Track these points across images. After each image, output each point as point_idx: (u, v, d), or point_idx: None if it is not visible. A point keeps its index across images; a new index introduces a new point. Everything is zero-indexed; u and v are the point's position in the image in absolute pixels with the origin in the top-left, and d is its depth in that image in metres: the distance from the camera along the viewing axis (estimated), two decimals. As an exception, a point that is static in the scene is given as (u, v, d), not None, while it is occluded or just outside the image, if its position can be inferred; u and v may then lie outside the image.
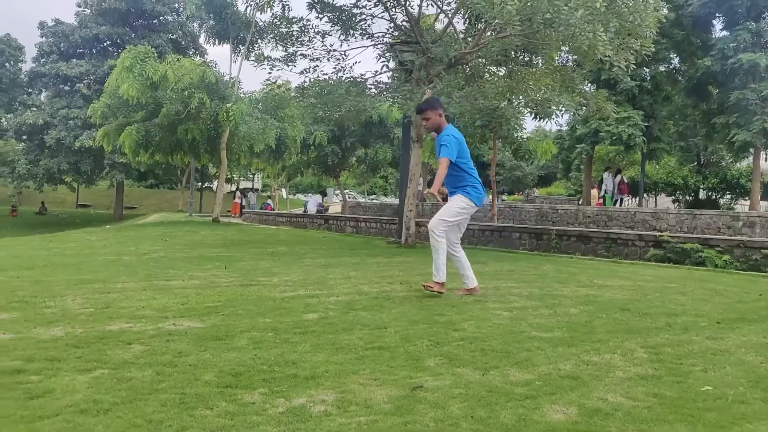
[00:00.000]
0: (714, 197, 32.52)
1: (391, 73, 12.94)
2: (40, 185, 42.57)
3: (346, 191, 49.98)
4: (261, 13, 19.12)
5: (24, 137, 41.47)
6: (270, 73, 12.35)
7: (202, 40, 19.83)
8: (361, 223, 17.56)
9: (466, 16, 12.52)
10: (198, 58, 38.51)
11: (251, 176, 56.15)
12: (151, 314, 4.99)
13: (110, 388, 3.17)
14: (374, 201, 53.51)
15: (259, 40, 19.55)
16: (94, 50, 44.41)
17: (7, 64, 46.20)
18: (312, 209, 23.86)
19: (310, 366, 3.62)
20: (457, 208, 5.93)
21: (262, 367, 3.60)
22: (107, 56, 42.44)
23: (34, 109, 41.32)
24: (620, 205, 25.52)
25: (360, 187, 58.79)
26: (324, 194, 27.49)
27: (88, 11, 43.81)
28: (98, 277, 7.09)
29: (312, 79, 12.10)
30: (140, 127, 18.26)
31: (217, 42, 19.99)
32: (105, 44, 44.44)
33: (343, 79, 11.94)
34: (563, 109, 10.10)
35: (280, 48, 13.41)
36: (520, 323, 4.88)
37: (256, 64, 12.42)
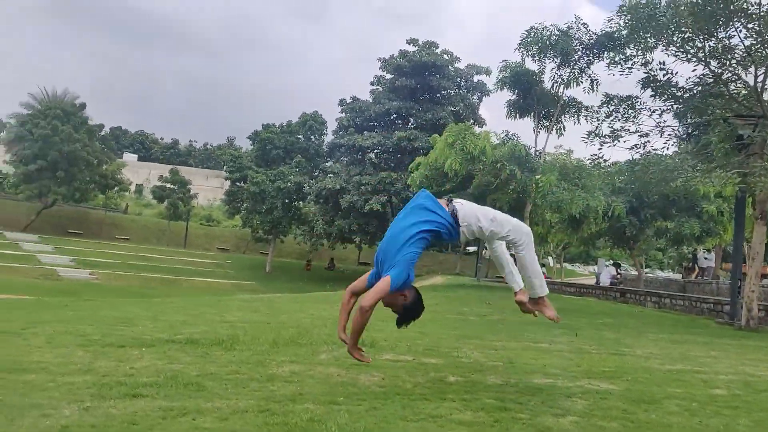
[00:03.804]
0: None
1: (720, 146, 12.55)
2: (333, 243, 47.33)
3: (614, 263, 48.29)
4: (566, 89, 19.98)
5: (321, 200, 46.53)
6: (600, 149, 12.78)
7: (503, 114, 20.87)
8: (665, 299, 16.90)
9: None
10: (477, 128, 40.31)
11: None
12: (558, 372, 5.49)
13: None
14: (649, 275, 50.88)
15: (563, 114, 20.37)
16: (382, 123, 48.78)
17: (312, 137, 52.95)
18: (605, 281, 23.45)
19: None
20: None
21: (717, 433, 3.84)
22: (394, 128, 46.42)
23: (332, 175, 46.29)
24: None
25: (631, 260, 56.25)
26: (618, 265, 26.77)
27: (381, 89, 48.49)
28: (469, 333, 7.87)
29: (642, 154, 12.28)
30: (455, 197, 19.69)
31: (518, 116, 21.07)
32: (392, 117, 48.61)
33: (674, 153, 11.93)
34: None
35: (586, 122, 13.85)
36: None
37: (587, 140, 12.94)
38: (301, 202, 51.43)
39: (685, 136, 14.19)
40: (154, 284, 35.72)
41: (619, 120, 12.37)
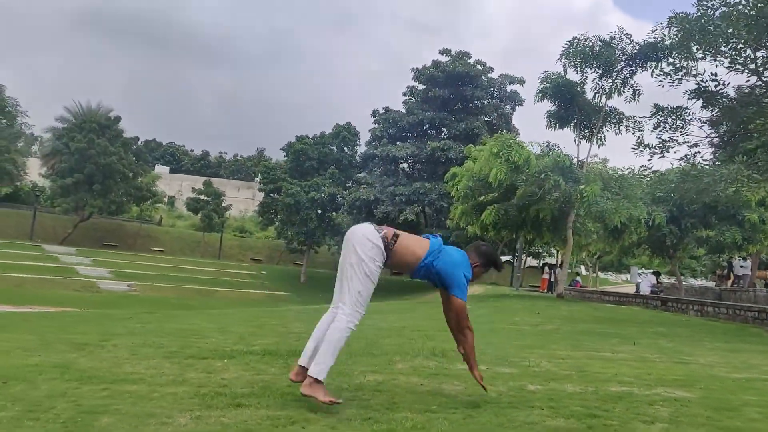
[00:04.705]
0: None
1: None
2: (366, 254, 47.57)
3: (654, 271, 47.79)
4: (607, 100, 20.04)
5: (355, 211, 46.83)
6: (650, 160, 12.87)
7: (536, 123, 21.08)
8: (708, 308, 16.80)
9: None
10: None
11: (554, 251, 56.38)
12: (631, 381, 5.60)
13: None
14: (683, 283, 50.07)
15: (605, 125, 20.42)
16: (415, 133, 48.97)
17: (345, 148, 53.42)
18: (646, 289, 23.33)
19: None
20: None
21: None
22: (427, 139, 46.55)
23: (365, 186, 46.54)
24: None
25: (664, 268, 55.61)
26: (658, 274, 26.62)
27: (414, 99, 48.74)
28: (530, 343, 8.01)
29: (690, 164, 12.33)
30: (500, 208, 20.13)
31: (558, 126, 21.13)
32: (425, 127, 48.77)
33: (722, 163, 11.95)
34: None
35: (627, 132, 13.83)
36: None
37: (636, 151, 13.03)
38: (334, 213, 51.76)
39: (720, 144, 14.21)
40: (191, 295, 36.25)
41: (667, 131, 12.45)
